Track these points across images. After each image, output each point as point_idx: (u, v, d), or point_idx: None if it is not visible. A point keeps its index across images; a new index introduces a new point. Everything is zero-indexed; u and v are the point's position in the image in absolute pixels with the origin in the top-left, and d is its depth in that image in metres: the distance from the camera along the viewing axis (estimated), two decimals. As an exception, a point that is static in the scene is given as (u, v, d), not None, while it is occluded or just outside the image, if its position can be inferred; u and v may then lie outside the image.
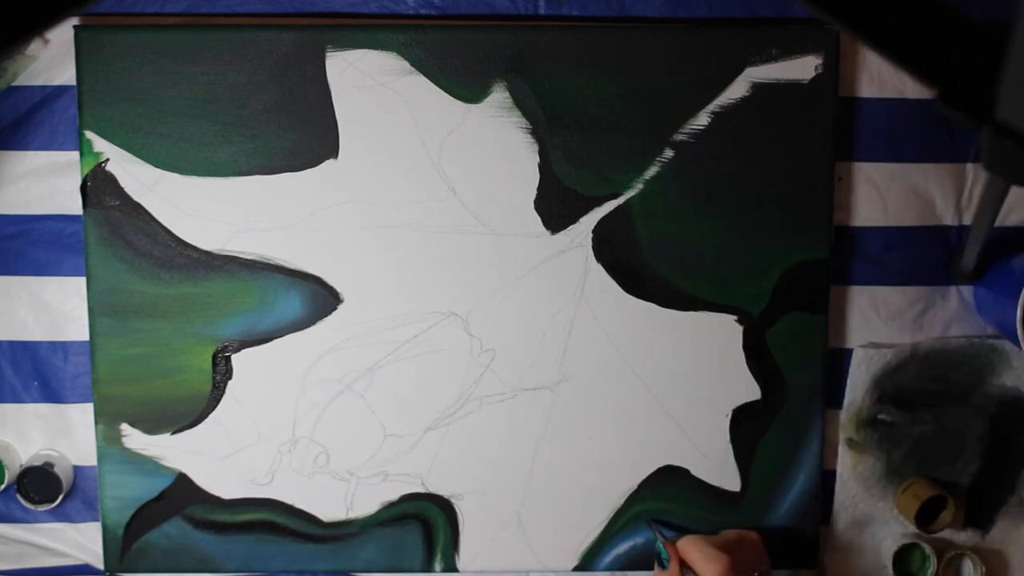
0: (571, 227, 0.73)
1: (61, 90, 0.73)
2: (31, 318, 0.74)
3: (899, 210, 0.75)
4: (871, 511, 0.77)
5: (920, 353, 0.75)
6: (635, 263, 0.73)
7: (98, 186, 0.71)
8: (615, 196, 0.72)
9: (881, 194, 0.75)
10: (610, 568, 0.75)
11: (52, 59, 0.72)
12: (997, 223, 0.76)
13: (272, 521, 0.74)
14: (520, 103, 0.71)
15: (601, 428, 0.74)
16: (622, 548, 0.75)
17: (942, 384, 0.76)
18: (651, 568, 0.75)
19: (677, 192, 0.72)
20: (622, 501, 0.74)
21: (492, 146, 0.72)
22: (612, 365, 0.73)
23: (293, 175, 0.72)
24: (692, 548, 0.68)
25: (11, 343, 0.74)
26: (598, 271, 0.73)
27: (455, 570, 0.75)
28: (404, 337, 0.73)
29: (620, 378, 0.74)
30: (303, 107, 0.71)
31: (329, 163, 0.72)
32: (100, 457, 0.73)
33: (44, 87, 0.73)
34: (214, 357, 0.72)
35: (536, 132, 0.72)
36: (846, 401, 0.75)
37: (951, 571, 0.77)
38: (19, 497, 0.73)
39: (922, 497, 0.74)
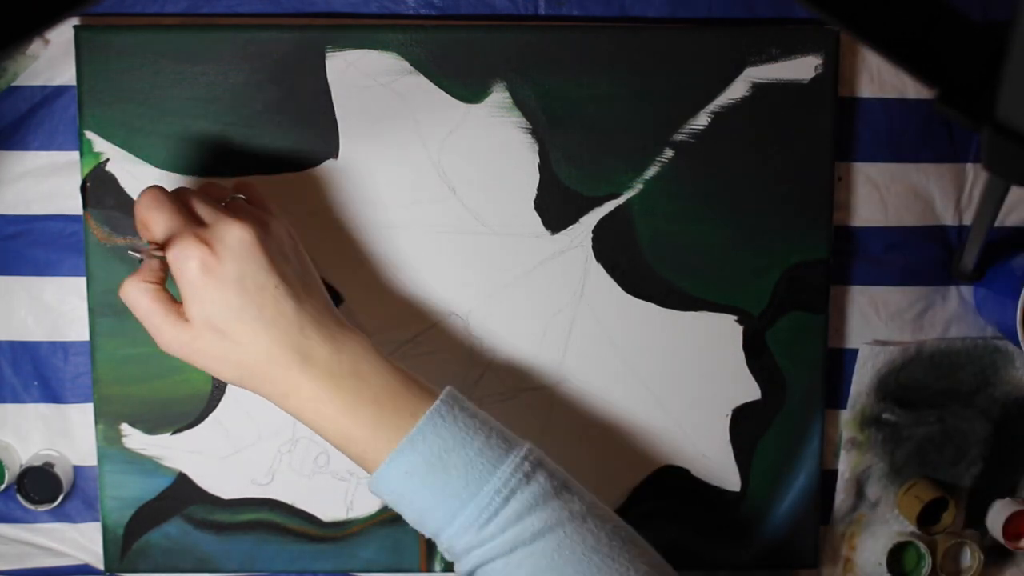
0: (571, 227, 0.73)
1: (61, 90, 0.73)
2: (31, 318, 0.74)
3: (899, 210, 0.75)
4: (872, 511, 0.77)
5: (926, 352, 0.75)
6: (635, 263, 0.73)
7: (98, 186, 0.71)
8: (615, 196, 0.72)
9: (881, 194, 0.75)
10: (610, 568, 0.75)
11: (52, 59, 0.72)
12: (997, 223, 0.75)
13: (272, 521, 0.74)
14: (520, 103, 0.71)
15: (601, 428, 0.74)
16: (622, 548, 0.75)
17: (947, 384, 0.76)
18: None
19: (677, 192, 0.72)
20: (622, 501, 0.74)
21: (492, 146, 0.72)
22: (612, 365, 0.73)
23: (293, 175, 0.72)
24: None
25: (11, 343, 0.74)
26: (598, 271, 0.73)
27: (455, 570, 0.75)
28: (404, 337, 0.73)
29: (620, 378, 0.74)
30: (303, 107, 0.71)
31: (329, 163, 0.72)
32: (100, 457, 0.73)
33: (44, 87, 0.73)
34: (214, 357, 0.72)
35: (536, 132, 0.72)
36: (850, 398, 0.75)
37: (950, 561, 0.77)
38: (19, 497, 0.73)
39: (924, 499, 0.74)
